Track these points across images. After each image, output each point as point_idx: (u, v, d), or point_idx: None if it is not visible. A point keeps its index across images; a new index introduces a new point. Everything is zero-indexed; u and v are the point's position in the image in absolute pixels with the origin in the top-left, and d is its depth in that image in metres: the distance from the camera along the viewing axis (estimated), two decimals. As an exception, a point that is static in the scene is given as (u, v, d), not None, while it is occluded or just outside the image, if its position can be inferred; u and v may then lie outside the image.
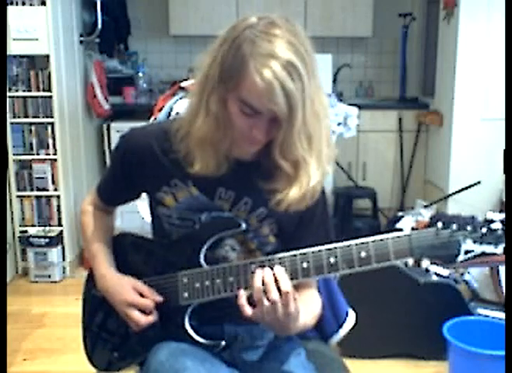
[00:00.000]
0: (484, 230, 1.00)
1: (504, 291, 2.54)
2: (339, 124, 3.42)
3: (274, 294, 1.04)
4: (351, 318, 1.47)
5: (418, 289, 2.38)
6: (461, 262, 1.01)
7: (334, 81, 4.46)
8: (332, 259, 1.08)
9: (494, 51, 3.57)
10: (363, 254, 1.07)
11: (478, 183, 3.70)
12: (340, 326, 1.44)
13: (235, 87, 1.05)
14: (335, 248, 1.09)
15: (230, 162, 1.16)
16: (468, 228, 1.01)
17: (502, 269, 2.72)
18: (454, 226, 1.02)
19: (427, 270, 2.44)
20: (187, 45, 4.70)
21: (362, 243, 1.07)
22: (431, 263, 2.49)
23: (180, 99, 2.31)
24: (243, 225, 1.19)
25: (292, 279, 1.09)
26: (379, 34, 4.63)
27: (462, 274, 2.60)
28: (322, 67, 4.00)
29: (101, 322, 1.36)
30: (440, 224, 1.03)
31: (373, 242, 1.07)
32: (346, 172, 4.24)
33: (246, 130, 1.09)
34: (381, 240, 1.06)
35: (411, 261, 2.78)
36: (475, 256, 1.01)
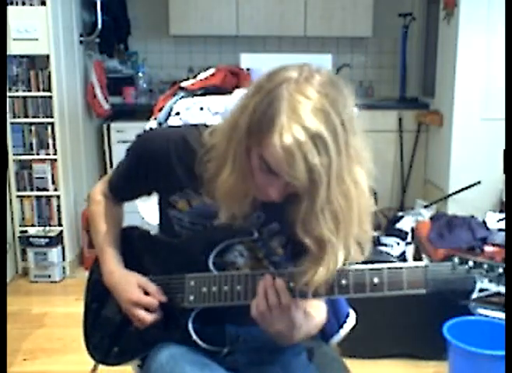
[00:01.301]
0: (501, 270, 0.98)
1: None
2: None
3: (272, 300, 1.05)
4: (351, 319, 1.47)
5: (418, 289, 2.37)
6: (474, 299, 1.00)
7: (334, 81, 4.45)
8: (344, 281, 1.06)
9: (494, 51, 3.57)
10: (376, 280, 1.05)
11: (478, 183, 3.70)
12: (340, 327, 1.44)
13: (259, 142, 0.98)
14: (348, 270, 1.06)
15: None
16: (485, 266, 0.99)
17: (502, 269, 2.72)
18: (471, 262, 1.00)
19: (427, 270, 2.44)
20: (187, 45, 4.70)
21: (376, 269, 1.05)
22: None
23: (180, 99, 2.31)
24: (256, 234, 1.18)
25: (301, 296, 1.08)
26: (379, 34, 4.63)
27: (462, 274, 2.60)
28: (322, 67, 4.00)
29: (104, 316, 1.36)
30: (456, 260, 1.01)
31: (387, 269, 1.05)
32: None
33: (262, 186, 1.05)
34: (396, 268, 1.04)
35: (411, 260, 2.78)
36: (489, 296, 1.00)
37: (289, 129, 0.93)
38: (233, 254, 1.23)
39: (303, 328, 1.10)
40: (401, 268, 1.04)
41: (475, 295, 0.99)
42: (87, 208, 1.40)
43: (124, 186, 1.34)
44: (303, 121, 0.93)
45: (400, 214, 3.66)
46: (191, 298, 1.19)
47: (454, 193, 3.76)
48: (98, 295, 1.37)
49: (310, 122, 0.93)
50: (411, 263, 1.05)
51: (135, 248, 1.33)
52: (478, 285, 0.99)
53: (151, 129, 1.27)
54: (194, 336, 1.19)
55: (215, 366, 1.18)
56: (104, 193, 1.38)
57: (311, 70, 0.99)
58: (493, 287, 0.99)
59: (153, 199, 1.33)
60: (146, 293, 1.23)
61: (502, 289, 0.98)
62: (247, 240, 1.20)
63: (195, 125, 1.25)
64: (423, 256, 2.77)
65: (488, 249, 2.49)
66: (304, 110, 0.93)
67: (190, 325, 1.20)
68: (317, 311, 1.22)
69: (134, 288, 1.23)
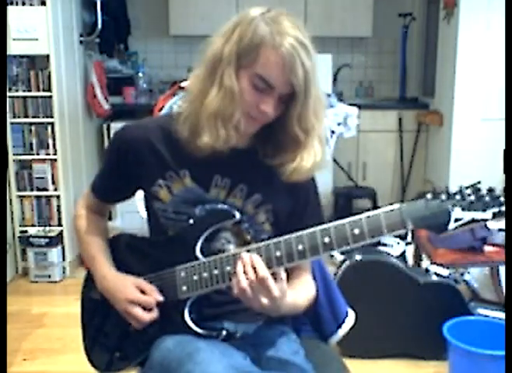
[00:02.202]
0: (472, 198, 1.02)
1: (504, 291, 2.54)
2: (339, 124, 3.42)
3: (251, 275, 1.08)
4: (350, 319, 1.47)
5: (418, 289, 2.37)
6: (454, 229, 1.02)
7: (334, 81, 4.46)
8: (327, 239, 1.09)
9: (494, 51, 3.57)
10: (357, 231, 1.07)
11: (478, 182, 3.70)
12: (339, 326, 1.44)
13: (251, 63, 1.13)
14: (329, 227, 1.09)
15: (226, 150, 1.19)
16: (457, 197, 1.02)
17: (502, 269, 2.72)
18: (443, 196, 1.03)
19: (427, 270, 2.44)
20: (187, 45, 4.70)
21: (356, 220, 1.08)
22: (431, 263, 2.49)
23: (180, 99, 2.31)
24: (237, 215, 1.20)
25: (288, 262, 1.11)
26: (379, 34, 4.63)
27: (462, 274, 2.60)
28: (322, 67, 4.03)
29: (101, 323, 1.36)
30: (429, 195, 1.04)
31: (366, 217, 1.07)
32: (346, 172, 4.24)
33: (253, 105, 1.15)
34: (373, 216, 1.07)
35: (411, 261, 2.78)
36: (464, 223, 1.03)
37: (284, 41, 1.12)
38: (219, 242, 1.25)
39: (289, 298, 1.13)
40: (377, 214, 1.06)
41: (451, 226, 1.02)
42: (74, 224, 1.42)
43: (108, 184, 1.36)
44: (290, 34, 1.13)
45: (400, 214, 3.66)
46: (184, 288, 1.21)
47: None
48: (93, 305, 1.38)
49: (295, 34, 1.13)
50: (386, 207, 1.07)
51: (125, 253, 1.34)
52: (453, 215, 1.02)
53: (125, 124, 1.29)
54: (191, 323, 1.19)
55: (227, 345, 1.19)
56: (87, 206, 1.41)
57: (272, 8, 1.19)
58: (467, 215, 1.02)
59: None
60: (142, 292, 1.24)
61: (475, 215, 1.02)
62: (231, 223, 1.22)
63: (170, 114, 1.32)
64: (423, 255, 2.77)
65: (488, 249, 2.49)
66: (287, 27, 1.14)
67: (186, 314, 1.20)
68: (303, 284, 1.27)
69: (130, 288, 1.24)
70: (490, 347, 2.02)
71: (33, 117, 3.29)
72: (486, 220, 1.03)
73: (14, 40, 3.16)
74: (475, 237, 2.50)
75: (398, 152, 4.33)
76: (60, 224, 3.42)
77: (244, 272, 1.09)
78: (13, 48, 3.17)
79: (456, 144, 3.75)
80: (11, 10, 3.12)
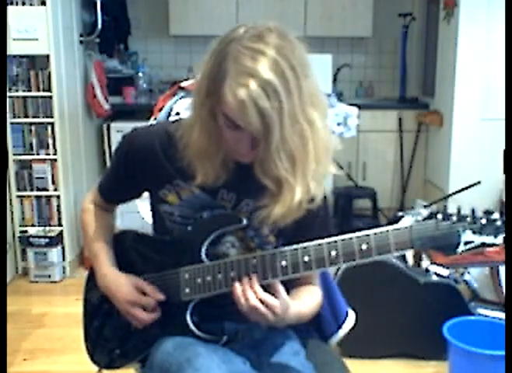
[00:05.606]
0: (483, 221, 1.01)
1: (504, 291, 2.54)
2: (339, 124, 3.42)
3: (253, 301, 1.09)
4: (350, 319, 1.47)
5: (418, 289, 2.37)
6: (461, 252, 1.01)
7: (334, 81, 4.45)
8: (333, 252, 1.08)
9: (494, 51, 3.57)
10: (364, 246, 1.06)
11: (478, 183, 3.70)
12: (339, 327, 1.44)
13: (217, 100, 1.05)
14: (336, 241, 1.09)
15: (230, 166, 1.17)
16: (468, 219, 1.01)
17: (502, 269, 2.72)
18: (454, 218, 1.02)
19: (427, 270, 2.44)
20: (187, 45, 4.70)
21: (363, 236, 1.07)
22: (431, 263, 2.49)
23: (180, 99, 2.31)
24: (245, 221, 1.20)
25: (293, 272, 1.11)
26: (379, 34, 4.64)
27: (462, 274, 2.60)
28: (322, 67, 4.02)
29: (102, 320, 1.36)
30: (440, 216, 1.03)
31: (374, 234, 1.06)
32: (346, 172, 4.24)
33: (232, 143, 1.10)
34: (382, 232, 1.06)
35: (411, 261, 2.78)
36: (474, 247, 1.01)
37: (240, 82, 1.00)
38: (224, 246, 1.24)
39: (293, 308, 1.14)
40: (387, 231, 1.05)
41: (461, 249, 1.01)
42: (80, 219, 1.42)
43: (114, 186, 1.35)
44: (252, 72, 1.00)
45: (400, 214, 3.66)
46: (187, 290, 1.20)
47: (454, 193, 3.76)
48: (95, 302, 1.38)
49: (260, 71, 0.99)
50: (395, 225, 1.06)
51: (130, 251, 1.34)
52: (463, 238, 1.01)
53: (135, 128, 1.28)
54: (192, 327, 1.19)
55: (227, 350, 1.19)
56: (94, 201, 1.40)
57: (257, 26, 1.06)
58: (477, 239, 1.01)
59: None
60: (143, 293, 1.24)
61: (485, 239, 1.00)
62: (236, 228, 1.22)
63: (178, 119, 1.29)
64: (423, 255, 2.77)
65: (488, 249, 2.49)
66: (253, 63, 1.00)
67: (188, 316, 1.20)
68: (308, 293, 1.27)
69: (129, 289, 1.24)
70: (490, 347, 2.02)
71: (33, 117, 3.28)
72: (497, 245, 1.01)
73: (14, 40, 3.16)
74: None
75: (398, 152, 4.33)
76: (60, 224, 3.42)
77: (244, 296, 1.10)
78: (13, 48, 3.17)
79: (456, 144, 3.76)
80: (11, 10, 3.12)
